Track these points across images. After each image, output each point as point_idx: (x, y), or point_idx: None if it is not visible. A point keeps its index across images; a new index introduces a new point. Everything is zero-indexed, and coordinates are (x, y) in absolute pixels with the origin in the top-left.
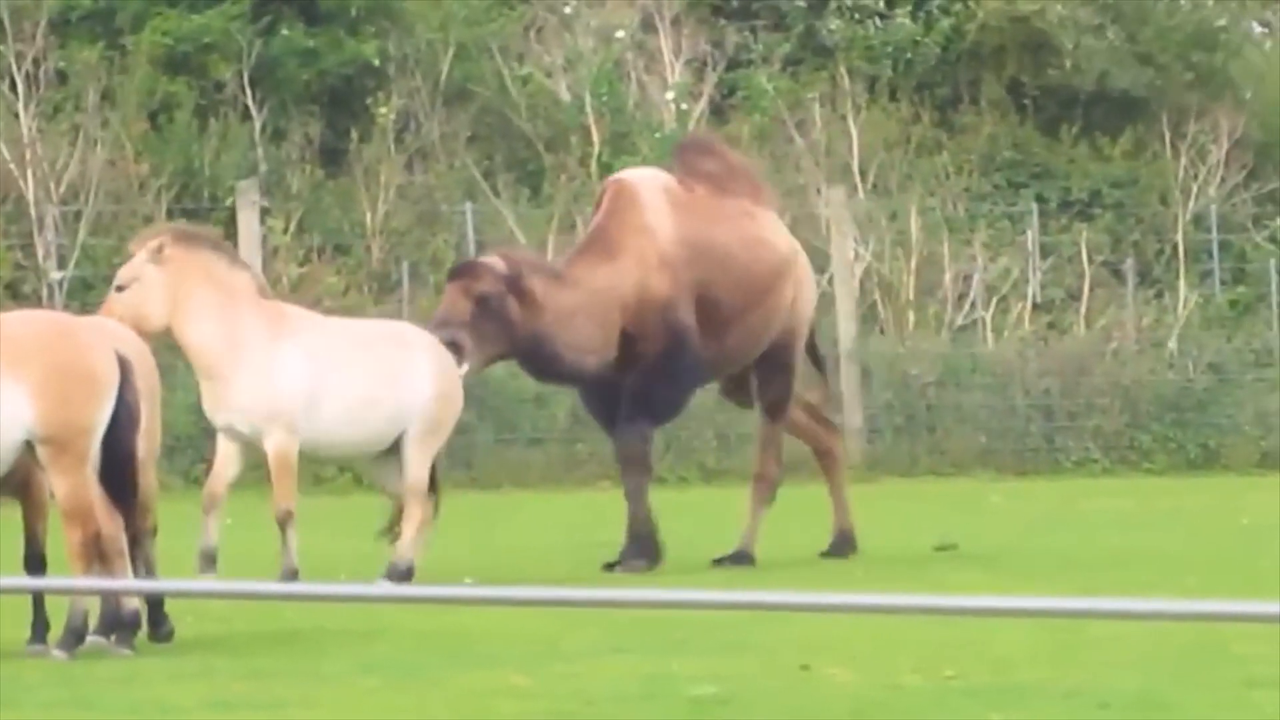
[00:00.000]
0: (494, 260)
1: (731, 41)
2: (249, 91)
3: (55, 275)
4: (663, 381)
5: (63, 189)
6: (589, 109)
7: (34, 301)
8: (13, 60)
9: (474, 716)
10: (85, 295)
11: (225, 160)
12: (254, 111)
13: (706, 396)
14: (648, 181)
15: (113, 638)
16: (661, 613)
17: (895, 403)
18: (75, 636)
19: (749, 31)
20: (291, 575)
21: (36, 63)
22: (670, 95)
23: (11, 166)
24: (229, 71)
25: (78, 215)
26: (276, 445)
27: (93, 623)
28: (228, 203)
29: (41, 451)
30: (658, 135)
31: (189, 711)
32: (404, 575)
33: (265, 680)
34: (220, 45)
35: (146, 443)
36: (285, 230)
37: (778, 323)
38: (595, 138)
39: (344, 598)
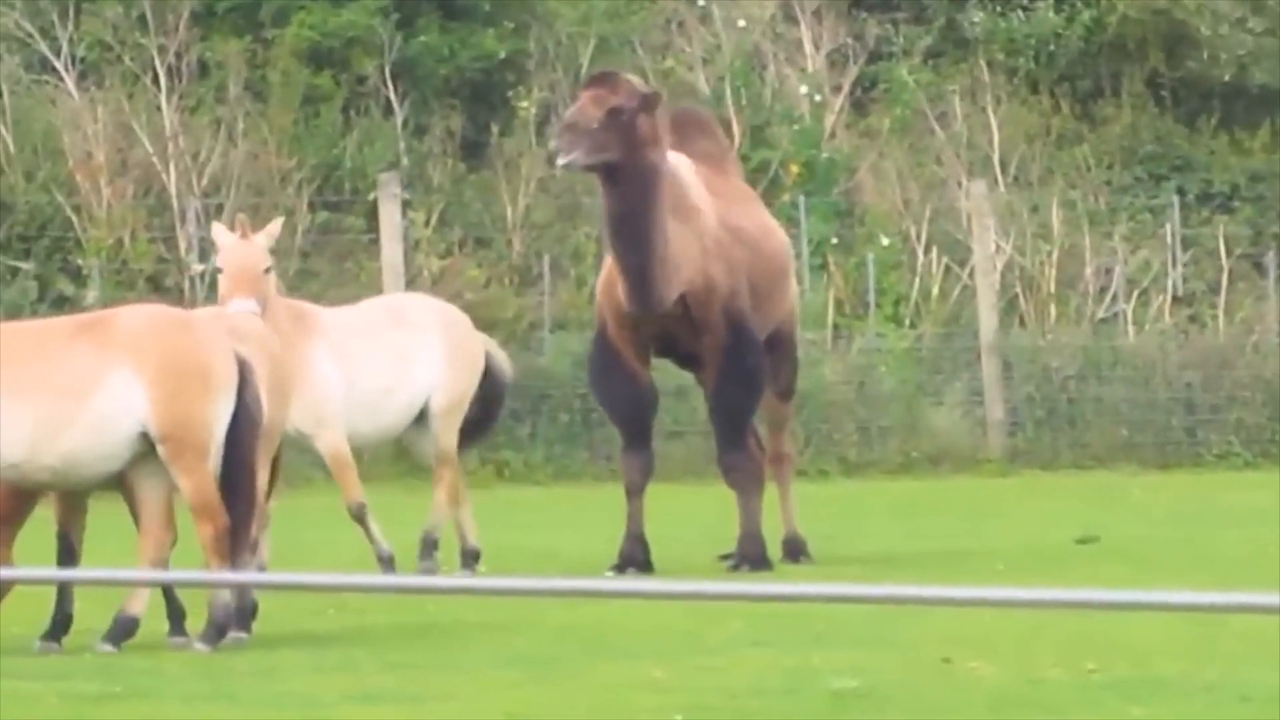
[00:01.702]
0: (633, 79)
1: (872, 34)
2: (391, 85)
3: (197, 268)
4: (741, 387)
5: (204, 182)
6: (729, 102)
7: (176, 294)
8: (155, 53)
9: (613, 710)
10: None
11: (367, 154)
12: (396, 105)
13: (849, 390)
14: (683, 163)
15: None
16: (801, 606)
17: (1036, 395)
18: (217, 630)
19: (890, 24)
20: (387, 562)
21: (179, 55)
22: (804, 89)
23: (154, 159)
24: (371, 66)
25: (219, 208)
26: (328, 446)
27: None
28: (369, 196)
29: (162, 450)
30: (796, 128)
31: (330, 705)
32: (432, 546)
33: (405, 673)
34: (363, 40)
35: (265, 441)
36: (427, 223)
37: (784, 309)
38: (735, 130)
39: (483, 590)
